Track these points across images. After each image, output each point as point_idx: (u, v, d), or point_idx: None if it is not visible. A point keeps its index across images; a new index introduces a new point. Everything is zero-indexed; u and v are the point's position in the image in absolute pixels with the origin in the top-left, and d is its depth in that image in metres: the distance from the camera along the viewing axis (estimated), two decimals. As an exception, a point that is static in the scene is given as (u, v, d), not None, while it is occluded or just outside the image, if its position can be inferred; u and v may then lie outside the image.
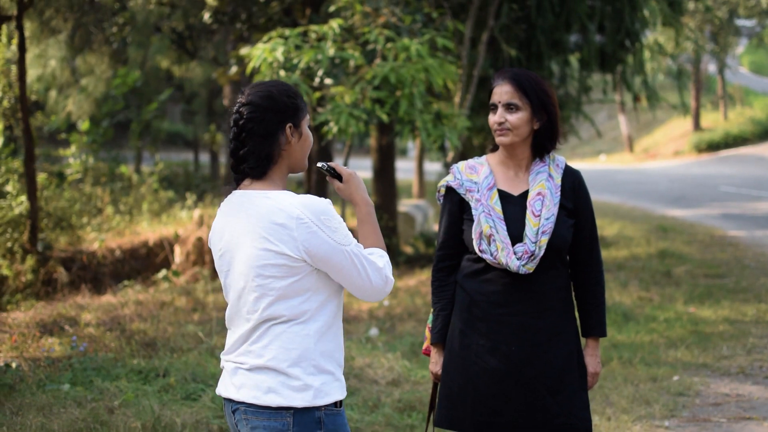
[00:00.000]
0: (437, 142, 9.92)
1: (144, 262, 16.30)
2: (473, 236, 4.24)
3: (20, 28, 15.50)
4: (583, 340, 4.41)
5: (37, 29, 18.09)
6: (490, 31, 11.08)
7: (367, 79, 9.58)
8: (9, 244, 14.87)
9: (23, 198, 16.03)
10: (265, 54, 9.72)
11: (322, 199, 3.42)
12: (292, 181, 21.94)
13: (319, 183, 14.00)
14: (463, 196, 4.32)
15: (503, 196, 4.27)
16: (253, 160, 3.46)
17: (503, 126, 4.22)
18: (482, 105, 13.66)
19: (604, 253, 15.10)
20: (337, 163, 3.90)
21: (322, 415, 3.42)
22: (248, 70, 10.12)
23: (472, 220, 4.26)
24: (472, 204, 4.27)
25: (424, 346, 4.49)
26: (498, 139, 4.27)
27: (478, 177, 4.32)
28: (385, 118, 9.51)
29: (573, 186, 4.31)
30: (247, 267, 3.42)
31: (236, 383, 3.48)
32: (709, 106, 47.07)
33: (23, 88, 15.52)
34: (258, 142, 3.44)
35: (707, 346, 9.36)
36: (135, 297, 12.21)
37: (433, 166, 31.48)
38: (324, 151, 13.20)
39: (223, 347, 9.07)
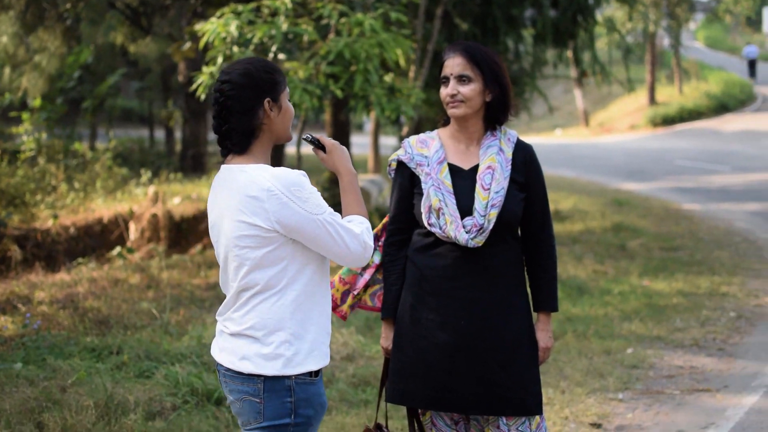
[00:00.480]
0: (392, 115, 9.89)
1: (99, 240, 16.13)
2: (422, 210, 4.21)
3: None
4: (534, 315, 4.40)
5: (-13, 5, 17.83)
6: (444, 5, 11.04)
7: (321, 54, 9.53)
8: (-39, 223, 14.66)
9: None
10: (218, 29, 9.64)
11: (295, 171, 3.51)
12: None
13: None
14: (413, 170, 4.29)
15: (454, 170, 4.25)
16: (235, 137, 3.57)
17: (456, 98, 4.18)
18: (436, 79, 13.56)
19: (559, 227, 15.17)
20: (321, 134, 3.99)
21: (293, 384, 3.52)
22: (201, 44, 10.04)
23: (422, 194, 4.23)
24: (422, 178, 4.25)
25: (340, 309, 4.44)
26: (450, 111, 4.23)
27: (429, 151, 4.29)
28: (339, 93, 9.47)
29: (524, 160, 4.28)
30: (227, 238, 3.56)
31: (219, 346, 3.66)
32: (664, 80, 47.24)
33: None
34: (238, 118, 3.54)
35: (661, 318, 9.44)
36: (89, 274, 12.09)
37: (388, 141, 31.42)
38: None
39: (177, 324, 9.06)
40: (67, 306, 9.74)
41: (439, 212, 4.16)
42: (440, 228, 4.17)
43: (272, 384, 3.51)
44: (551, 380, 7.26)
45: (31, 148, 19.01)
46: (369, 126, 28.67)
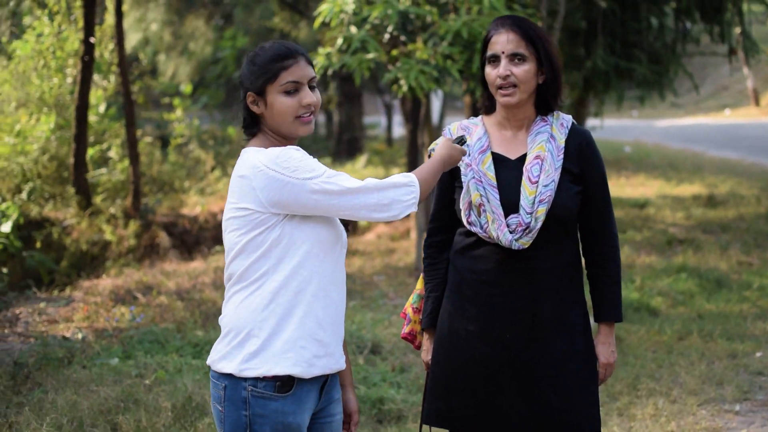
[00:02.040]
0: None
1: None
2: (461, 206, 3.73)
3: (116, -10, 15.44)
4: (595, 326, 3.88)
5: (137, -8, 18.05)
6: (571, -21, 10.39)
7: (440, 34, 9.06)
8: (112, 210, 14.85)
9: (126, 163, 16.04)
10: (335, 8, 9.29)
11: (289, 146, 3.23)
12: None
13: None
14: None
15: (498, 160, 3.73)
16: (244, 121, 3.41)
17: (508, 80, 3.64)
18: (573, 58, 12.98)
19: (711, 214, 14.27)
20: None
21: (249, 395, 3.19)
22: (316, 24, 9.72)
23: (462, 188, 3.74)
24: (462, 169, 3.74)
25: (405, 330, 4.02)
26: (502, 100, 3.69)
27: (471, 139, 3.79)
28: (456, 74, 8.98)
29: (579, 147, 3.73)
30: (223, 222, 3.37)
31: None
32: None
33: (121, 52, 15.48)
34: (242, 104, 3.37)
35: (803, 318, 8.52)
36: (217, 263, 12.00)
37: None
38: (416, 111, 12.66)
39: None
40: (184, 297, 9.59)
41: (480, 209, 3.66)
42: (481, 227, 3.67)
43: (233, 391, 3.21)
44: (662, 388, 6.61)
45: (182, 135, 19.21)
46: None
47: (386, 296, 9.60)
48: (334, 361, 3.32)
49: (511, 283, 3.68)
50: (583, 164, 3.73)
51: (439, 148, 3.51)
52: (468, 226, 3.71)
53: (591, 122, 17.79)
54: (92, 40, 14.51)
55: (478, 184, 3.68)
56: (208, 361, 3.32)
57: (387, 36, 9.31)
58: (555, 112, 3.79)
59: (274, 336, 3.19)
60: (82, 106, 14.60)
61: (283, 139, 3.33)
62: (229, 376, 3.21)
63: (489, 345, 3.68)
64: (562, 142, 3.71)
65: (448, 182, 3.81)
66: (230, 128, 21.22)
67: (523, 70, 3.65)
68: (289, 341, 3.19)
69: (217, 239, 15.65)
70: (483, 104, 3.86)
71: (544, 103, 3.76)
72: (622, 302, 3.83)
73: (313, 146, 23.83)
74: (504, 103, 3.70)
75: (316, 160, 3.24)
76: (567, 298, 3.72)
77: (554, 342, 3.68)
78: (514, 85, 3.65)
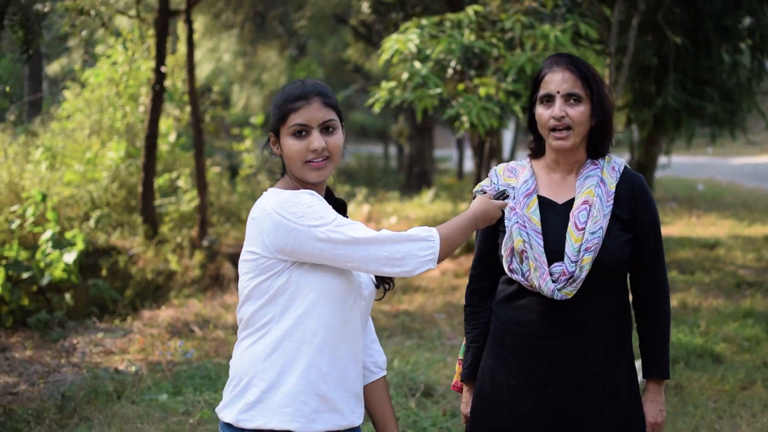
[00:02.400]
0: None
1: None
2: (503, 252, 3.54)
3: (189, 22, 15.57)
4: (643, 383, 3.66)
5: (210, 23, 18.14)
6: (640, 15, 10.14)
7: (504, 69, 8.90)
8: (178, 239, 14.89)
9: (194, 193, 16.10)
10: (398, 45, 9.19)
11: (301, 190, 3.09)
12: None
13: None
14: None
15: (545, 204, 3.55)
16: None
17: (563, 122, 3.45)
18: (644, 95, 12.72)
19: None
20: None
21: None
22: (380, 62, 9.63)
23: (506, 233, 3.55)
24: (506, 213, 3.55)
25: (454, 380, 3.83)
26: (555, 144, 3.50)
27: (517, 181, 3.60)
28: (519, 112, 8.81)
29: (631, 193, 3.52)
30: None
31: None
32: None
33: (192, 82, 15.57)
34: None
35: None
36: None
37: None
38: (483, 145, 12.52)
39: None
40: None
41: (523, 255, 3.47)
42: (523, 275, 3.48)
43: None
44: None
45: (250, 165, 19.23)
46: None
47: (444, 335, 9.41)
48: (341, 418, 3.16)
49: (555, 335, 3.47)
50: (635, 210, 3.52)
51: (475, 202, 3.35)
52: (509, 274, 3.53)
53: (662, 160, 17.39)
54: (163, 69, 14.59)
55: (521, 229, 3.49)
56: (217, 408, 3.20)
57: (450, 71, 9.19)
58: (607, 155, 3.59)
59: (274, 387, 3.05)
60: (152, 135, 14.69)
61: (304, 184, 3.19)
62: (230, 425, 3.10)
63: (531, 401, 3.48)
64: (612, 187, 3.50)
65: (493, 227, 3.61)
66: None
67: (579, 112, 3.46)
68: (289, 394, 3.05)
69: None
70: (530, 147, 3.69)
71: (595, 146, 3.57)
72: (669, 358, 3.61)
73: (383, 179, 23.76)
74: (557, 147, 3.51)
75: (328, 206, 3.09)
76: (615, 352, 3.51)
77: (601, 399, 3.47)
78: (569, 128, 3.47)
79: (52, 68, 20.10)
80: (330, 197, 3.33)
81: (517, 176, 3.62)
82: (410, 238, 3.05)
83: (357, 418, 3.23)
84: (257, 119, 20.05)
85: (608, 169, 3.55)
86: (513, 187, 3.57)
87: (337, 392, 3.12)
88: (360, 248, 3.00)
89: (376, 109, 9.38)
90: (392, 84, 9.36)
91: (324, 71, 23.46)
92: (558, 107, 3.46)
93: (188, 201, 15.93)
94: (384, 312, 10.56)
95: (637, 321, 3.63)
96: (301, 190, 3.09)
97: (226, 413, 3.11)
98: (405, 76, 9.27)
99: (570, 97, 3.47)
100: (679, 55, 11.97)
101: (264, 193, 3.18)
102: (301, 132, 3.13)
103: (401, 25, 9.68)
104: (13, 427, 6.28)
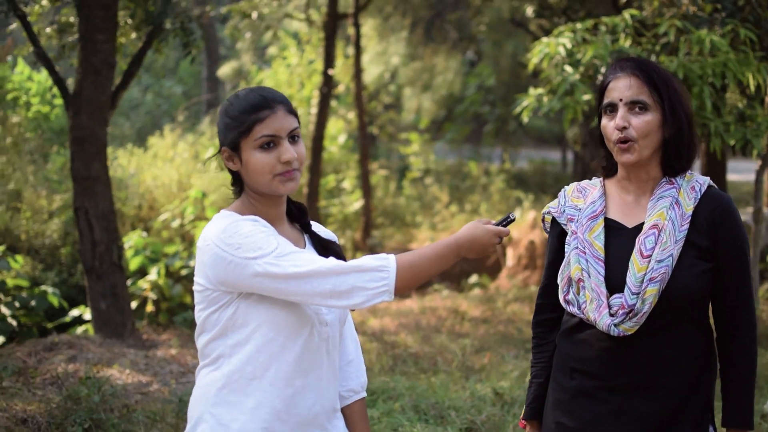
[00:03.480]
0: (738, 146, 8.59)
1: (475, 263, 15.88)
2: (559, 281, 3.19)
3: (357, 25, 15.65)
4: (723, 432, 3.21)
5: (379, 26, 18.16)
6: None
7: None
8: (342, 241, 14.98)
9: (358, 195, 16.18)
10: (548, 48, 8.88)
11: (243, 217, 2.87)
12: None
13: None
14: (564, 227, 3.25)
15: (612, 227, 3.15)
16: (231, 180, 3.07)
17: (627, 133, 3.05)
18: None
19: None
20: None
21: None
22: (530, 67, 9.33)
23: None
24: (567, 238, 3.20)
25: (521, 417, 3.47)
26: (620, 157, 3.09)
27: (584, 202, 3.23)
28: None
29: (712, 216, 3.06)
30: None
31: None
32: None
33: (359, 85, 15.65)
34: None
35: None
36: (431, 304, 11.81)
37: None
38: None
39: (474, 369, 8.38)
40: (381, 338, 9.40)
41: (580, 285, 3.10)
42: (579, 307, 3.11)
43: None
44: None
45: (418, 168, 19.21)
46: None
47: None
48: None
49: (617, 375, 3.08)
50: (716, 236, 3.06)
51: (465, 227, 2.98)
52: (565, 306, 3.17)
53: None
54: (330, 72, 14.69)
55: (580, 256, 3.12)
56: None
57: (600, 77, 8.83)
58: (688, 173, 3.15)
59: (222, 426, 2.86)
60: (318, 137, 14.82)
61: (265, 199, 2.97)
62: None
63: None
64: (689, 209, 3.06)
65: (559, 251, 3.26)
66: (471, 163, 21.03)
67: (644, 121, 3.05)
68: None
69: (444, 274, 15.50)
70: (601, 165, 3.28)
71: (669, 161, 3.14)
72: (753, 406, 3.14)
73: (556, 185, 23.26)
74: (621, 161, 3.10)
75: (270, 234, 2.84)
76: (687, 397, 3.08)
77: None
78: (634, 140, 3.06)
79: (223, 70, 20.53)
80: (290, 203, 3.10)
81: (585, 197, 3.25)
82: (358, 269, 2.77)
83: None
84: (422, 122, 20.00)
85: (687, 188, 3.11)
86: (579, 209, 3.21)
87: (296, 428, 2.91)
88: (301, 282, 2.76)
89: (524, 117, 9.09)
90: (540, 90, 9.05)
91: (499, 76, 23.14)
92: (620, 117, 3.07)
93: (353, 203, 16.04)
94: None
95: (720, 362, 3.16)
96: (244, 217, 2.87)
97: None
98: (558, 79, 8.95)
99: (635, 105, 3.07)
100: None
101: (214, 216, 2.98)
102: (269, 143, 2.89)
103: (554, 30, 9.36)
104: (129, 429, 6.32)
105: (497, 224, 3.01)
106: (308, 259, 2.79)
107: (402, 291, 2.82)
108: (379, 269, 2.78)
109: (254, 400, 2.86)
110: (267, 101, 2.91)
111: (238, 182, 3.00)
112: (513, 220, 3.07)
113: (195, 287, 2.92)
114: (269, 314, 2.86)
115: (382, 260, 2.80)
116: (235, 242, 2.79)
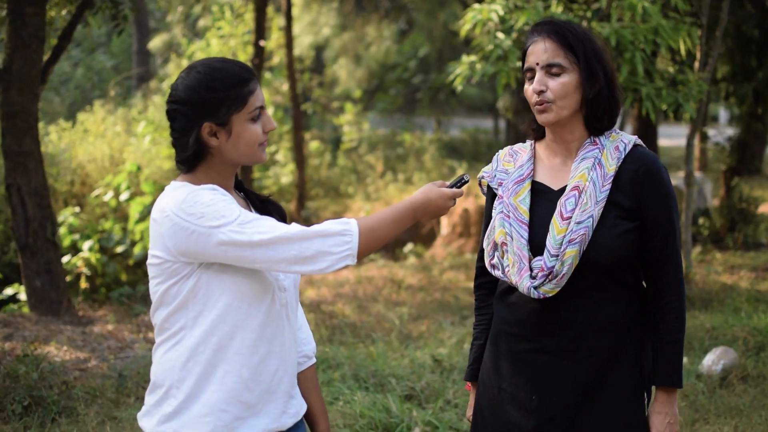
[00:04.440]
0: (669, 109, 8.69)
1: (411, 232, 15.94)
2: (485, 246, 3.20)
3: (287, -5, 15.53)
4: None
5: (309, -4, 18.11)
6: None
7: (588, 42, 8.53)
8: (277, 213, 14.88)
9: (292, 167, 16.11)
10: (481, 15, 8.89)
11: (201, 186, 2.83)
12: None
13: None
14: (495, 190, 3.22)
15: (539, 191, 3.13)
16: (178, 154, 2.94)
17: (544, 96, 3.02)
18: (743, 69, 12.13)
19: None
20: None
21: None
22: (462, 33, 9.34)
23: None
24: (495, 203, 3.19)
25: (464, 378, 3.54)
26: (539, 117, 3.06)
27: (514, 166, 3.22)
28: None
29: (636, 175, 3.03)
30: None
31: None
32: None
33: (290, 55, 15.54)
34: (178, 137, 2.90)
35: None
36: (368, 273, 11.85)
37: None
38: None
39: (418, 337, 8.43)
40: (318, 308, 9.40)
41: (504, 249, 3.10)
42: (503, 271, 3.11)
43: None
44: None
45: (351, 139, 19.18)
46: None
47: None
48: (269, 421, 2.93)
49: (544, 339, 3.09)
50: (640, 195, 3.03)
51: (419, 190, 2.97)
52: (490, 270, 3.16)
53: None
54: (262, 43, 14.57)
55: (504, 220, 3.10)
56: (138, 414, 3.00)
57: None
58: (613, 132, 3.13)
59: (192, 398, 2.84)
60: (250, 109, 14.70)
61: (230, 170, 2.94)
62: None
63: (517, 410, 3.13)
64: (611, 170, 3.03)
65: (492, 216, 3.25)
66: (405, 133, 21.04)
67: (560, 83, 3.02)
68: (207, 404, 2.84)
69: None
70: (531, 127, 3.24)
71: (591, 121, 3.11)
72: (682, 364, 3.12)
73: (488, 153, 23.42)
74: (540, 121, 3.07)
75: (231, 201, 2.81)
76: (612, 358, 3.07)
77: (592, 411, 3.07)
78: (551, 101, 3.03)
79: (154, 43, 20.28)
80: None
81: (516, 160, 3.23)
82: (322, 233, 2.76)
83: (289, 418, 3.01)
84: (356, 93, 19.98)
85: (611, 148, 3.08)
86: (508, 173, 3.20)
87: (262, 396, 2.90)
88: (266, 249, 2.74)
89: (458, 85, 9.10)
90: (473, 57, 9.07)
91: (433, 45, 23.14)
92: (537, 81, 3.04)
93: (286, 175, 15.97)
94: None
95: (650, 322, 3.14)
96: (202, 186, 2.83)
97: (144, 422, 2.93)
98: (491, 47, 8.96)
99: (551, 68, 3.03)
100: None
101: (166, 188, 2.92)
102: (258, 115, 2.89)
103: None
104: (68, 405, 6.27)
105: (451, 186, 3.00)
106: (271, 225, 2.76)
107: (363, 255, 2.82)
108: (343, 233, 2.77)
109: (221, 370, 2.85)
110: (249, 72, 2.88)
111: (198, 157, 2.91)
112: (467, 182, 3.04)
113: (150, 260, 2.87)
114: (232, 283, 2.84)
115: (345, 224, 2.79)
116: (197, 211, 2.75)
